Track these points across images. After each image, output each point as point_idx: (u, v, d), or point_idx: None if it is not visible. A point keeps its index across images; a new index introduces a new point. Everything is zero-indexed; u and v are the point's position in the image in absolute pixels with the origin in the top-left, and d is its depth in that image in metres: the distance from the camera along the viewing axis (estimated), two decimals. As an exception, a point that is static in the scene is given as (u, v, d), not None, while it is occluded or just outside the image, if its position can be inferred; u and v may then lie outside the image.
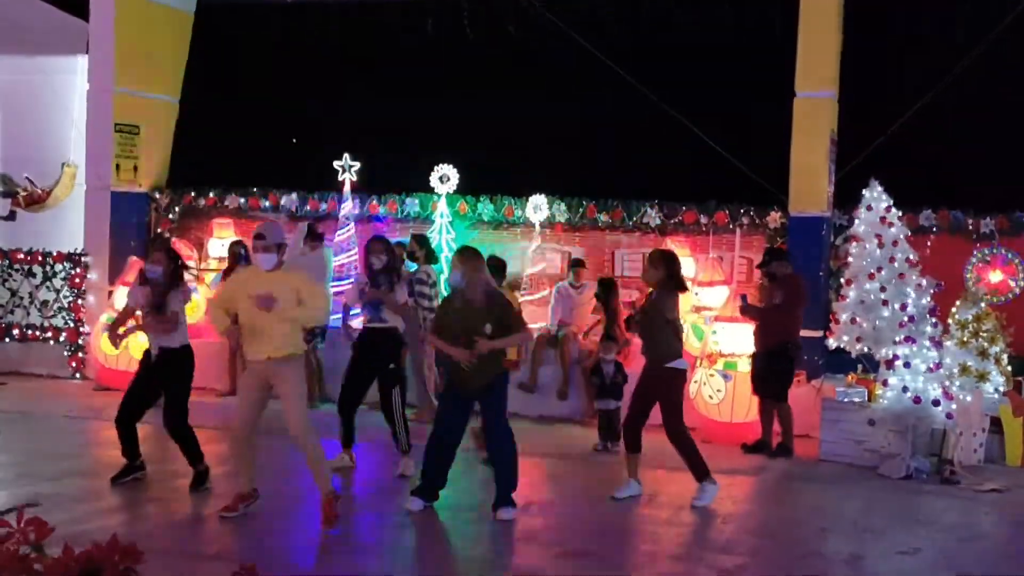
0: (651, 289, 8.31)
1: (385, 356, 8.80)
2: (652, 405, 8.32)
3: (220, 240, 13.55)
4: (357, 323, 9.22)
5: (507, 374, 7.93)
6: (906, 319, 9.53)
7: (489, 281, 7.79)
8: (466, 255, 7.60)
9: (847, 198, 11.26)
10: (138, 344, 10.02)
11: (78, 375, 13.21)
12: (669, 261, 8.28)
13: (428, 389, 11.15)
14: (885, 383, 9.58)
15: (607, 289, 11.36)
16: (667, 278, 8.16)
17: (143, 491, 8.04)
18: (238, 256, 11.86)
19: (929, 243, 11.20)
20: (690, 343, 11.34)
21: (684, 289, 8.44)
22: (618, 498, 8.19)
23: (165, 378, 8.03)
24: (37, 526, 4.46)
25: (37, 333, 13.43)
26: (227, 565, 4.14)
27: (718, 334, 10.80)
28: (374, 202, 13.16)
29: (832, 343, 10.18)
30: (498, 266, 10.60)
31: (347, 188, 12.98)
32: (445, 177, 12.68)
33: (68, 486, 7.86)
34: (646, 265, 8.57)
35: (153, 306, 7.88)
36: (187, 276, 8.38)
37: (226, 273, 11.94)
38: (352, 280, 10.72)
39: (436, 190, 12.71)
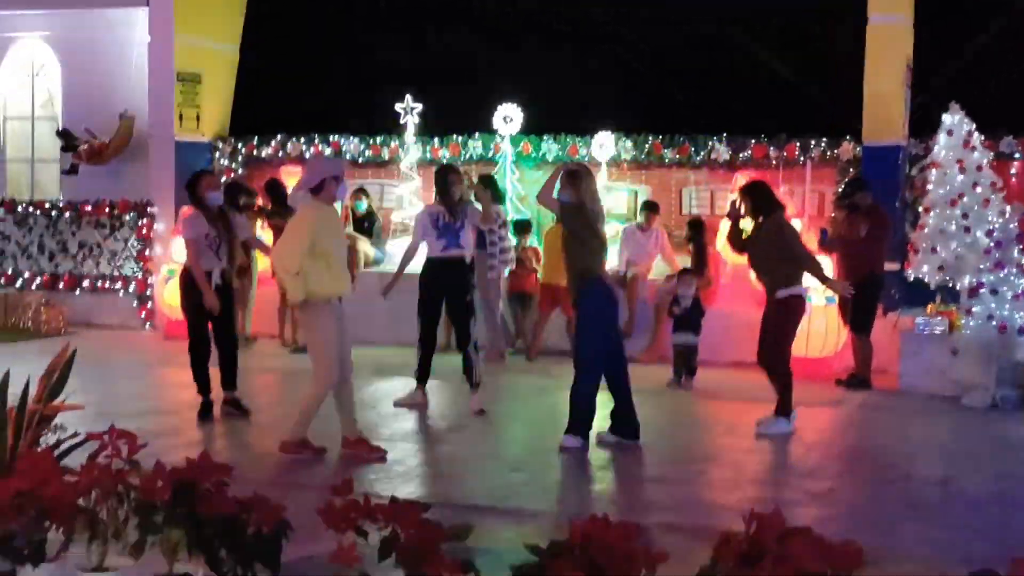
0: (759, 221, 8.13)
1: (464, 285, 8.74)
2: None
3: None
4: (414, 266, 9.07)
5: (593, 286, 7.44)
6: (991, 245, 9.25)
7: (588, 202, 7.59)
8: (573, 172, 7.60)
9: (922, 127, 10.96)
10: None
11: (148, 324, 13.30)
12: (753, 192, 8.15)
13: (497, 330, 11.10)
14: (969, 312, 9.32)
15: (696, 229, 11.26)
16: (762, 205, 8.00)
17: (219, 427, 8.08)
18: (279, 196, 11.79)
19: (1013, 170, 10.82)
20: (762, 278, 11.18)
21: (782, 207, 8.28)
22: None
23: (227, 301, 8.26)
24: (129, 441, 4.48)
25: (107, 284, 13.55)
26: (317, 492, 4.12)
27: (791, 268, 10.57)
28: (436, 145, 13.03)
29: (911, 274, 9.93)
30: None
31: (409, 131, 12.87)
32: (508, 117, 12.49)
33: (148, 423, 7.87)
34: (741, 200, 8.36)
35: (225, 232, 8.04)
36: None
37: (270, 214, 11.93)
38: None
39: (499, 131, 12.56)
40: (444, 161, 12.89)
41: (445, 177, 8.77)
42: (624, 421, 7.51)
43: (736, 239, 8.49)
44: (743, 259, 11.32)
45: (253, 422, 8.22)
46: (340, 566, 3.82)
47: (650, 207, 11.80)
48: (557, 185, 7.64)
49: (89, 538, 4.22)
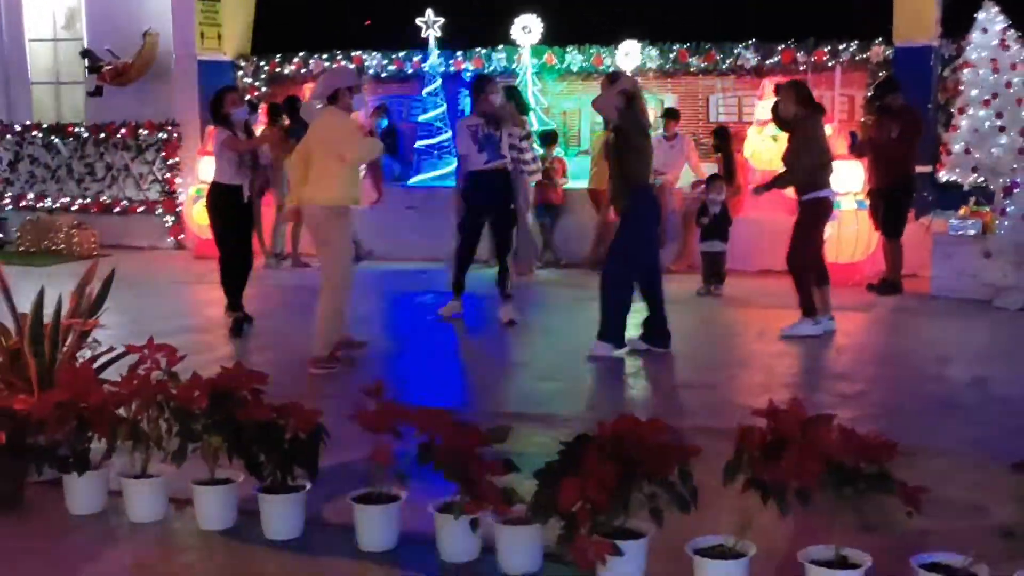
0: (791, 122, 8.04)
1: (509, 197, 8.66)
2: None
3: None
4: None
5: (646, 192, 7.43)
6: (1026, 144, 9.11)
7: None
8: (610, 79, 7.60)
9: (955, 27, 10.73)
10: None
11: (178, 246, 13.38)
12: (798, 88, 8.04)
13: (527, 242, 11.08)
14: (1003, 212, 9.21)
15: (723, 137, 11.18)
16: (800, 104, 7.90)
17: (254, 341, 8.16)
18: (295, 109, 11.74)
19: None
20: (792, 185, 11.07)
21: (822, 112, 8.17)
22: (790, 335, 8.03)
23: (248, 222, 8.43)
24: (168, 352, 4.53)
25: (135, 206, 13.61)
26: (350, 402, 4.15)
27: (821, 173, 10.45)
28: (459, 58, 12.89)
29: (944, 176, 9.82)
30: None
31: (431, 44, 12.73)
32: (527, 28, 12.33)
33: (182, 340, 7.87)
34: (778, 100, 8.24)
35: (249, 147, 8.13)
36: None
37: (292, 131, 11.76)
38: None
39: (518, 41, 12.40)
40: (468, 74, 12.79)
41: (483, 88, 8.66)
42: (657, 331, 7.52)
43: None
44: (772, 166, 11.27)
45: (284, 337, 8.27)
46: (377, 465, 3.89)
47: (670, 114, 11.67)
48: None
49: (131, 446, 4.31)
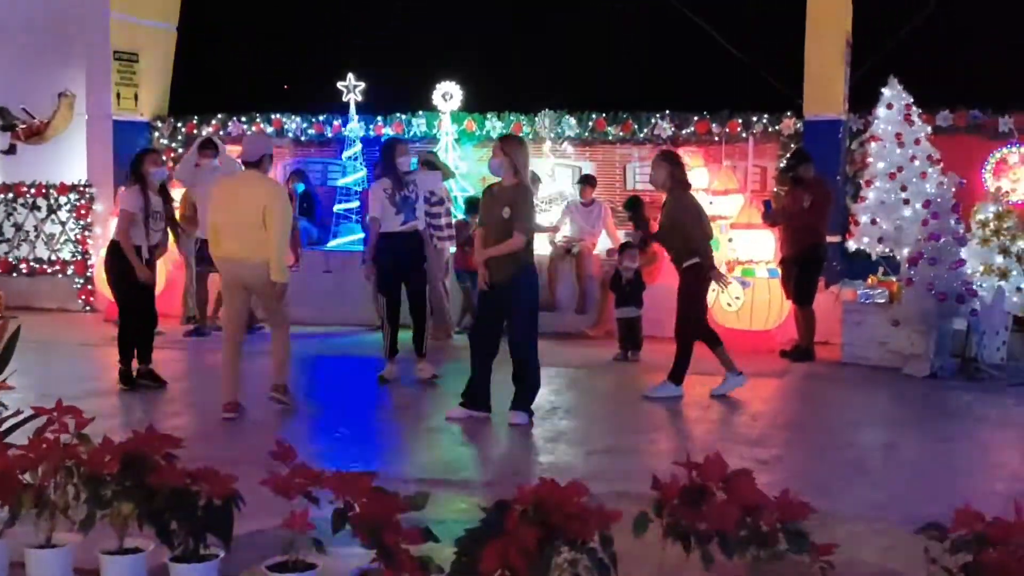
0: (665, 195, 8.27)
1: (423, 257, 8.85)
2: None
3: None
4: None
5: (530, 270, 7.46)
6: (929, 216, 9.40)
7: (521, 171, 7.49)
8: (507, 141, 7.59)
9: (861, 101, 11.11)
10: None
11: (88, 308, 13.09)
12: (671, 160, 8.29)
13: (445, 305, 11.09)
14: (909, 281, 9.47)
15: (634, 206, 11.31)
16: (671, 177, 8.15)
17: (168, 407, 7.98)
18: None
19: (951, 143, 10.98)
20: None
21: (688, 186, 8.43)
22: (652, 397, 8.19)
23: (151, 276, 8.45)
24: (76, 415, 4.40)
25: (45, 267, 13.31)
26: (264, 467, 4.08)
27: (734, 241, 10.68)
28: (379, 123, 12.95)
29: (852, 245, 10.09)
30: None
31: (352, 109, 12.77)
32: (448, 95, 12.46)
33: (91, 403, 7.68)
34: (652, 169, 8.49)
35: (163, 208, 8.32)
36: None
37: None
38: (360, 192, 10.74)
39: (440, 108, 12.51)
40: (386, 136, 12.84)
41: (392, 149, 8.72)
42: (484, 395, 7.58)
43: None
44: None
45: (193, 401, 8.13)
46: (293, 533, 3.80)
47: (585, 180, 11.84)
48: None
49: (36, 514, 4.15)
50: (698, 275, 8.18)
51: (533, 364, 7.39)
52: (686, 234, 8.08)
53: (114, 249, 8.32)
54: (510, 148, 7.38)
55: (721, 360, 8.33)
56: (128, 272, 8.24)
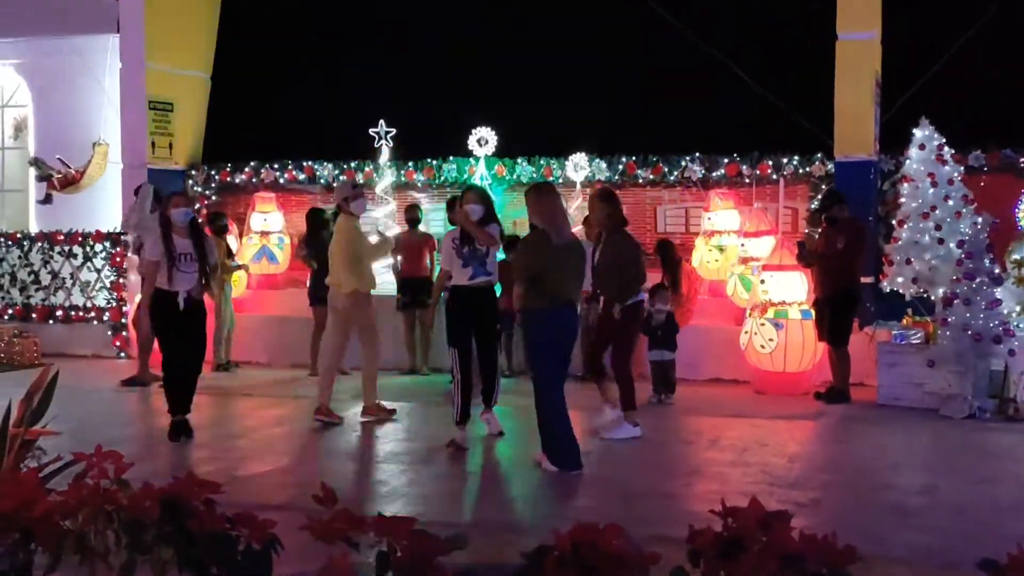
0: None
1: (493, 311, 8.45)
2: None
3: (263, 215, 13.46)
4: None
5: (537, 314, 7.26)
6: (964, 256, 9.34)
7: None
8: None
9: (892, 142, 11.11)
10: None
11: (123, 354, 13.20)
12: (610, 201, 8.51)
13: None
14: (944, 322, 9.40)
15: (665, 250, 11.22)
16: (609, 218, 8.39)
17: (201, 452, 8.00)
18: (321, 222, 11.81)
19: (982, 183, 10.93)
20: (738, 294, 11.24)
21: (625, 224, 8.67)
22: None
23: (197, 324, 8.35)
24: (115, 460, 4.42)
25: (80, 313, 13.45)
26: (294, 515, 4.09)
27: (767, 283, 10.63)
28: (410, 168, 13.05)
29: (886, 286, 10.02)
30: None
31: (384, 156, 12.88)
32: (483, 140, 12.55)
33: (128, 449, 7.72)
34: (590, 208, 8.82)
35: (195, 250, 8.21)
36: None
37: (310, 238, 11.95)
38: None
39: (475, 153, 12.59)
40: (419, 184, 12.94)
41: (460, 198, 8.66)
42: None
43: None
44: (719, 276, 11.45)
45: (233, 446, 8.15)
46: (334, 577, 3.78)
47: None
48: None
49: (78, 560, 4.16)
50: (636, 313, 8.47)
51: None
52: (629, 274, 8.30)
53: (152, 299, 8.30)
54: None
55: (609, 397, 8.57)
56: (166, 321, 8.23)
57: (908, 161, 9.96)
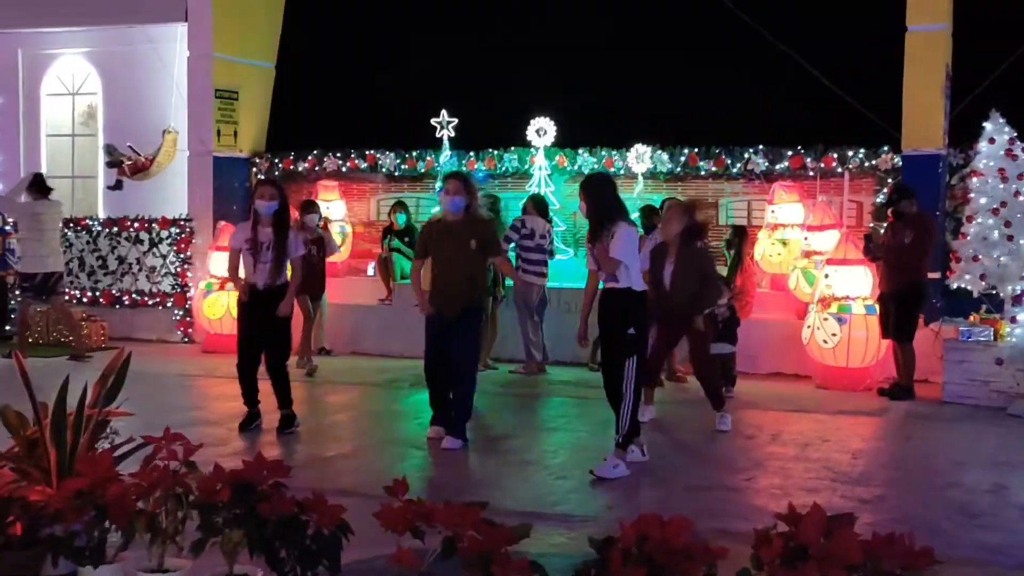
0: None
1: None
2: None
3: (325, 203, 13.54)
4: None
5: (480, 304, 8.05)
6: (1034, 253, 9.18)
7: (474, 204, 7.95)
8: (459, 177, 7.91)
9: (962, 135, 10.91)
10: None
11: (187, 339, 13.40)
12: (690, 213, 8.49)
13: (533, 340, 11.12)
14: (1014, 320, 9.24)
15: (740, 236, 10.99)
16: (685, 231, 8.27)
17: (265, 436, 8.10)
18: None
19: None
20: (801, 288, 11.13)
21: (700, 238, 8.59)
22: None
23: (270, 315, 8.04)
24: (184, 443, 4.50)
25: (146, 299, 13.67)
26: (368, 499, 4.12)
27: (830, 277, 10.51)
28: (472, 159, 13.08)
29: (953, 283, 9.86)
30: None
31: (445, 144, 12.92)
32: (542, 130, 12.52)
33: (192, 433, 7.83)
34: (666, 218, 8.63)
35: (274, 244, 7.99)
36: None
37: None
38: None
39: (534, 143, 12.58)
40: (480, 174, 12.95)
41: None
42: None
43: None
44: (781, 269, 11.32)
45: (300, 433, 8.22)
46: (402, 568, 3.81)
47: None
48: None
49: (149, 539, 4.24)
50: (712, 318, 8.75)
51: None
52: (711, 288, 8.45)
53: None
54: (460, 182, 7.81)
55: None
56: (240, 309, 8.25)
57: (977, 155, 9.77)
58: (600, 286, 7.08)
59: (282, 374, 8.20)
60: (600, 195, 6.98)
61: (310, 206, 11.35)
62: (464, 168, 12.97)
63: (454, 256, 7.70)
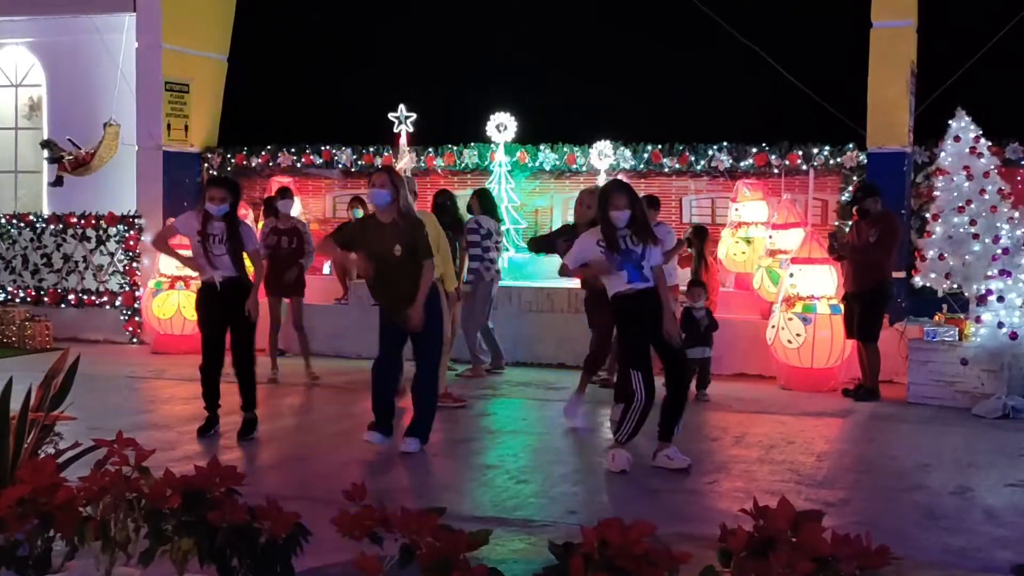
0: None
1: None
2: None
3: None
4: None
5: (436, 306, 7.59)
6: (1000, 252, 9.12)
7: (408, 204, 7.43)
8: (385, 171, 7.66)
9: (927, 133, 10.87)
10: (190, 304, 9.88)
11: (135, 339, 13.03)
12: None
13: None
14: (978, 319, 9.17)
15: (700, 236, 10.89)
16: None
17: (217, 440, 7.81)
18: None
19: (1020, 176, 10.67)
20: (765, 288, 11.02)
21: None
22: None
23: (237, 309, 7.61)
24: (136, 448, 4.25)
25: (93, 298, 13.28)
26: (325, 504, 3.91)
27: (795, 277, 10.39)
28: (430, 154, 12.85)
29: (919, 281, 9.77)
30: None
31: (403, 141, 12.68)
32: (502, 126, 12.33)
33: (141, 437, 7.52)
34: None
35: (227, 235, 7.59)
36: None
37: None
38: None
39: (494, 139, 12.38)
40: (439, 170, 12.72)
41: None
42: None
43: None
44: (745, 268, 11.20)
45: (255, 436, 7.93)
46: (362, 574, 3.61)
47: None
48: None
49: (100, 548, 4.00)
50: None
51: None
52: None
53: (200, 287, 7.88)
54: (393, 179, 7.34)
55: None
56: (202, 311, 7.78)
57: (943, 153, 9.69)
58: (624, 287, 6.92)
59: (250, 374, 7.79)
60: (639, 202, 7.03)
61: (285, 192, 10.59)
62: (423, 164, 12.74)
63: (388, 259, 7.19)
